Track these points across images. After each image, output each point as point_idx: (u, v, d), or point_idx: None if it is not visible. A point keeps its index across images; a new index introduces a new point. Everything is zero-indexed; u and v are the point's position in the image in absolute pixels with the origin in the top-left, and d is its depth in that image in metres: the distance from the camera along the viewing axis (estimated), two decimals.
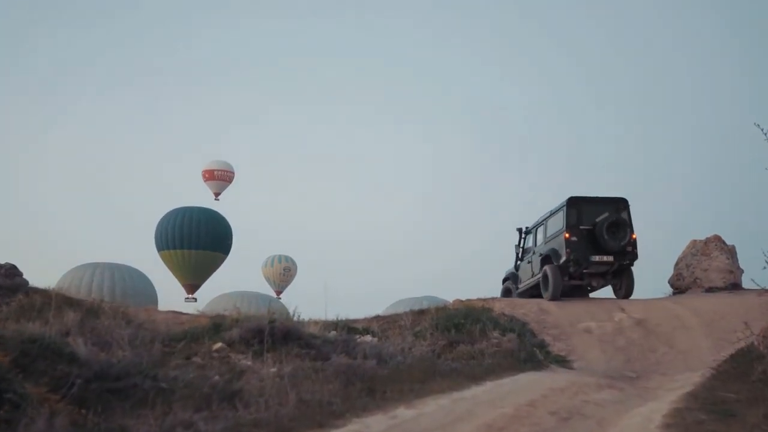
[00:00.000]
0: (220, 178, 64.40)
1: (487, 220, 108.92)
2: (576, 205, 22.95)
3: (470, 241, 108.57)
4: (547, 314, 22.72)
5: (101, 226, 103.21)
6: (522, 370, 16.40)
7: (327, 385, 12.77)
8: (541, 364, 17.56)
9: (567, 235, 22.46)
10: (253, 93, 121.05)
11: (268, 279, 66.10)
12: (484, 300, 24.44)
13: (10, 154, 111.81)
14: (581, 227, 22.72)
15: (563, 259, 22.53)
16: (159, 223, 58.73)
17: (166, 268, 59.85)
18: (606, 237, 22.51)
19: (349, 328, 19.81)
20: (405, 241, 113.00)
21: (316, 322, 19.27)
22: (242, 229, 74.92)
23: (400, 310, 50.45)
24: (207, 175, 64.47)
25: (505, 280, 26.02)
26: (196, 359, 14.35)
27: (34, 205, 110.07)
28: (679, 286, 25.69)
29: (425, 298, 55.30)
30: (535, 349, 18.37)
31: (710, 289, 24.93)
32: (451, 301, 24.95)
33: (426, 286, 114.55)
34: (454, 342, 17.75)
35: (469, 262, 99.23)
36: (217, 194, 64.42)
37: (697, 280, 25.41)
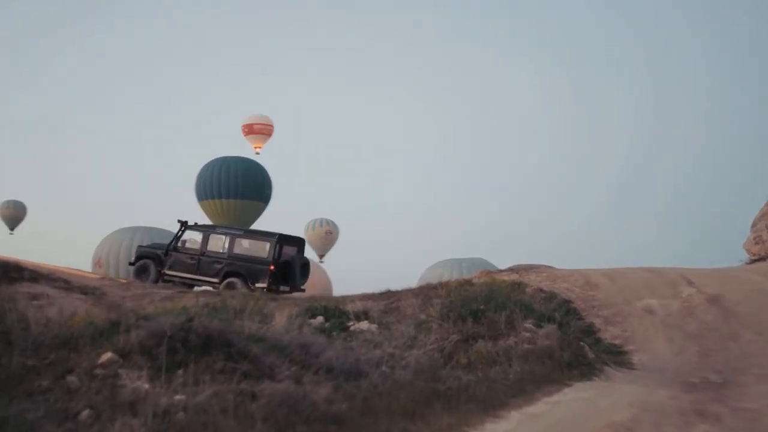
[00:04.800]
0: (259, 131, 59.15)
1: (546, 180, 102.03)
2: (281, 242, 24.20)
3: (528, 199, 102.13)
4: (596, 289, 16.98)
5: (140, 184, 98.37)
6: (565, 381, 10.78)
7: None
8: (591, 367, 11.76)
9: (272, 267, 23.57)
10: (296, 47, 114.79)
11: (310, 242, 60.73)
12: (523, 269, 18.64)
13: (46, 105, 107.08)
14: (280, 261, 23.94)
15: (261, 285, 23.40)
16: (199, 173, 54.51)
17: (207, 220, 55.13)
18: (298, 275, 24.46)
19: (340, 312, 14.10)
20: (456, 198, 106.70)
21: (290, 303, 13.67)
22: (283, 188, 70.12)
23: (438, 272, 44.15)
24: (246, 129, 59.29)
25: (143, 257, 25.27)
26: (72, 378, 8.54)
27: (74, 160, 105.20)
28: (758, 252, 19.51)
29: (467, 260, 49.83)
30: (582, 344, 12.30)
31: None
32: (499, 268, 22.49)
33: (476, 245, 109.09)
34: (470, 337, 11.85)
35: (526, 222, 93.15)
36: (257, 148, 59.06)
37: None
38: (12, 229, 57.78)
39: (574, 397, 9.97)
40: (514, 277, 17.78)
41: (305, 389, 8.38)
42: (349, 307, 14.87)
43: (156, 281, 24.30)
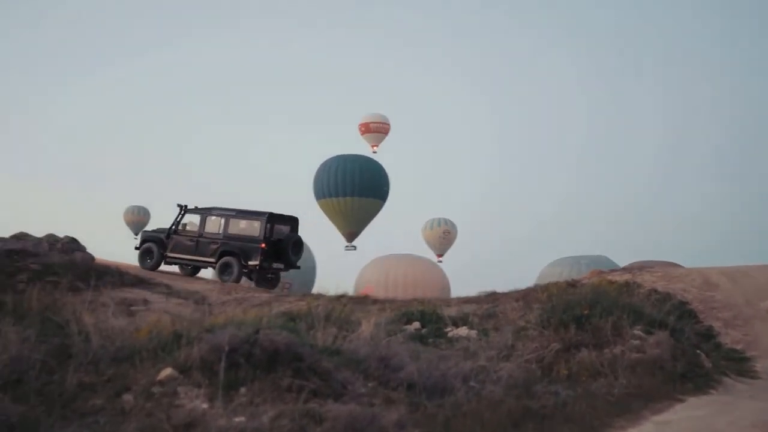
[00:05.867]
0: (376, 130, 58.68)
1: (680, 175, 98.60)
2: (271, 221, 24.63)
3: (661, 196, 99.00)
4: (715, 289, 15.44)
5: (257, 184, 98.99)
6: (677, 396, 9.53)
7: None
8: (708, 377, 10.35)
9: (263, 246, 24.03)
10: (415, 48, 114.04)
11: (428, 242, 60.06)
12: (636, 268, 17.23)
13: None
14: (272, 239, 24.46)
15: (254, 263, 24.14)
16: (317, 172, 54.51)
17: (322, 218, 55.05)
18: (291, 253, 24.91)
19: (437, 317, 13.12)
20: (581, 193, 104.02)
21: (377, 307, 12.74)
22: (401, 186, 69.50)
23: (557, 270, 43.43)
24: (363, 129, 58.92)
25: (147, 241, 25.94)
26: (127, 397, 7.72)
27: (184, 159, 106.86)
28: None
29: (586, 258, 48.00)
30: (698, 352, 10.88)
31: None
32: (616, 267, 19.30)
33: (601, 242, 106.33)
34: (572, 345, 10.54)
35: (653, 219, 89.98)
36: (374, 147, 58.61)
37: None
38: (137, 234, 58.27)
39: (686, 416, 8.64)
40: (626, 277, 16.41)
41: (374, 411, 7.35)
42: (448, 312, 13.84)
43: (158, 264, 25.18)
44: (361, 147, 58.19)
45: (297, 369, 8.10)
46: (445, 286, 49.81)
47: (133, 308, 15.69)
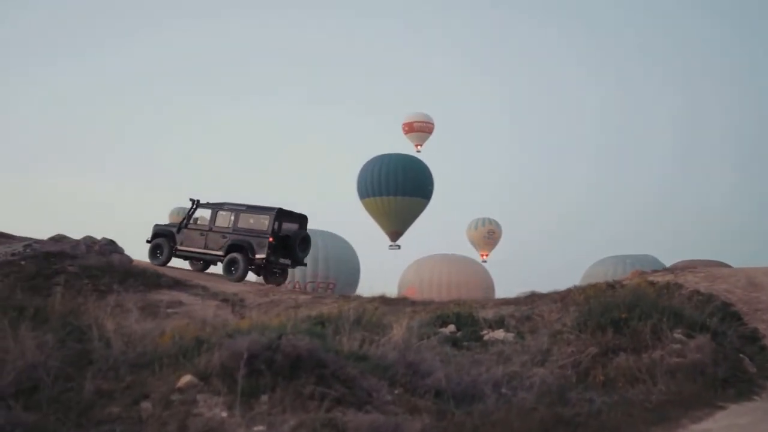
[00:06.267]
0: (419, 129, 58.80)
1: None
2: (280, 217, 24.71)
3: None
4: (760, 290, 14.83)
5: (300, 183, 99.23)
6: (718, 403, 8.99)
7: None
8: (751, 383, 9.88)
9: (271, 239, 24.16)
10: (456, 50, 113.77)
11: (472, 242, 59.70)
12: (679, 269, 16.66)
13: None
14: (279, 235, 24.58)
15: (260, 256, 24.28)
16: (361, 171, 54.58)
17: (366, 218, 55.12)
18: (298, 249, 25.12)
19: (473, 320, 12.73)
20: (629, 193, 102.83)
21: (412, 309, 12.41)
22: (445, 185, 68.95)
23: (602, 270, 42.77)
24: (407, 128, 59.12)
25: (157, 236, 25.98)
26: (146, 405, 7.45)
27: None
28: None
29: (632, 257, 47.26)
30: (741, 356, 10.39)
31: None
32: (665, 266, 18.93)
33: (651, 241, 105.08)
34: (610, 350, 10.08)
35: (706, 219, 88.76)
36: (418, 146, 58.47)
37: None
38: None
39: (728, 424, 8.19)
40: (668, 277, 15.85)
41: (397, 420, 7.01)
42: (485, 314, 13.45)
43: (168, 259, 25.30)
44: (405, 146, 58.11)
45: (320, 376, 7.80)
46: (489, 287, 49.39)
47: (169, 310, 15.55)
